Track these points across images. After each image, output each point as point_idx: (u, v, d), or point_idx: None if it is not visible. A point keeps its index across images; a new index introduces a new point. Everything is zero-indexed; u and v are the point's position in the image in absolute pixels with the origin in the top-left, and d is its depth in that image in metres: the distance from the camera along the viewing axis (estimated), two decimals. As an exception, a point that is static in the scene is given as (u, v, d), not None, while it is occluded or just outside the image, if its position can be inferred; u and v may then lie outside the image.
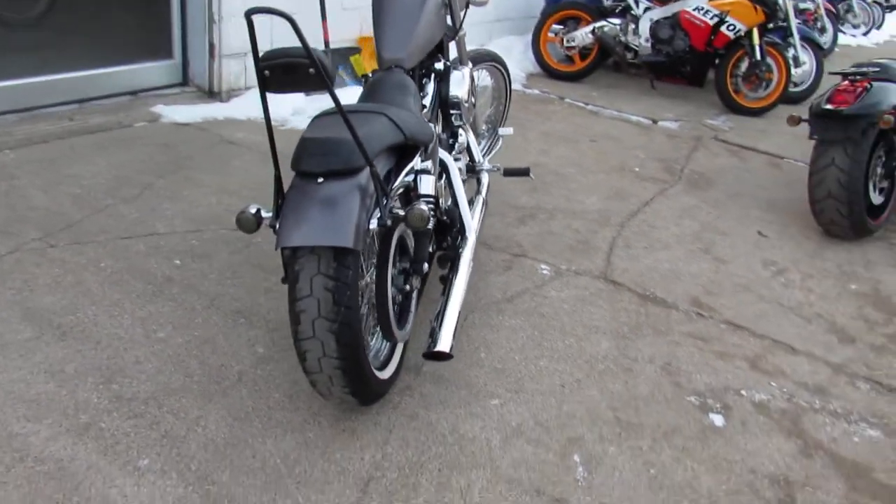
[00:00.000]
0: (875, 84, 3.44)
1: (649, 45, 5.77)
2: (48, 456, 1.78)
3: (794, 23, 5.70)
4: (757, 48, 5.44)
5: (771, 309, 2.88)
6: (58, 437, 1.84)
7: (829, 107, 3.43)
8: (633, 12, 5.81)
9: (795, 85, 5.81)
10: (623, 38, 5.83)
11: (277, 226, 1.71)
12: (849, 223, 3.50)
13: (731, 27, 5.47)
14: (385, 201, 1.77)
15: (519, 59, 6.32)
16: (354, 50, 4.84)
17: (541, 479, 1.89)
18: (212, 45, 4.19)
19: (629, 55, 5.92)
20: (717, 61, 5.68)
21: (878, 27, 10.10)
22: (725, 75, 5.62)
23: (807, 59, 5.89)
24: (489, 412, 2.10)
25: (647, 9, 5.76)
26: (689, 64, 5.78)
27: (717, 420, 2.19)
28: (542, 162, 4.17)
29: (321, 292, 1.67)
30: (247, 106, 4.31)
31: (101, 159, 3.48)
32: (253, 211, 1.78)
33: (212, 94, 4.34)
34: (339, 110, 1.62)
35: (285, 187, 1.77)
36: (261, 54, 1.59)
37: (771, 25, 5.58)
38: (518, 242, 3.16)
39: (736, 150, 4.85)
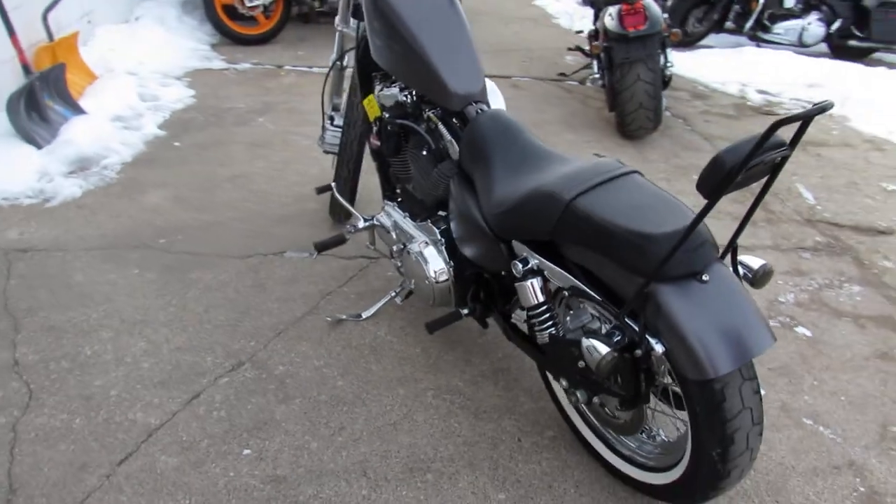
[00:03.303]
0: (645, 2, 3.94)
1: (337, -12, 5.46)
2: None
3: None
4: None
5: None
6: None
7: (627, 31, 3.85)
8: (311, -43, 5.38)
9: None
10: (310, -13, 5.39)
11: (686, 352, 1.37)
12: (653, 125, 4.09)
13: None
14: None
15: (186, 28, 5.37)
16: (59, 69, 3.50)
17: None
18: None
19: (316, 4, 5.53)
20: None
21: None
22: None
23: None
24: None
25: (322, -49, 5.39)
26: None
27: (805, 332, 2.53)
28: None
29: (751, 399, 1.43)
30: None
31: None
32: (608, 349, 1.40)
33: None
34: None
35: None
36: None
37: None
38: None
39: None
